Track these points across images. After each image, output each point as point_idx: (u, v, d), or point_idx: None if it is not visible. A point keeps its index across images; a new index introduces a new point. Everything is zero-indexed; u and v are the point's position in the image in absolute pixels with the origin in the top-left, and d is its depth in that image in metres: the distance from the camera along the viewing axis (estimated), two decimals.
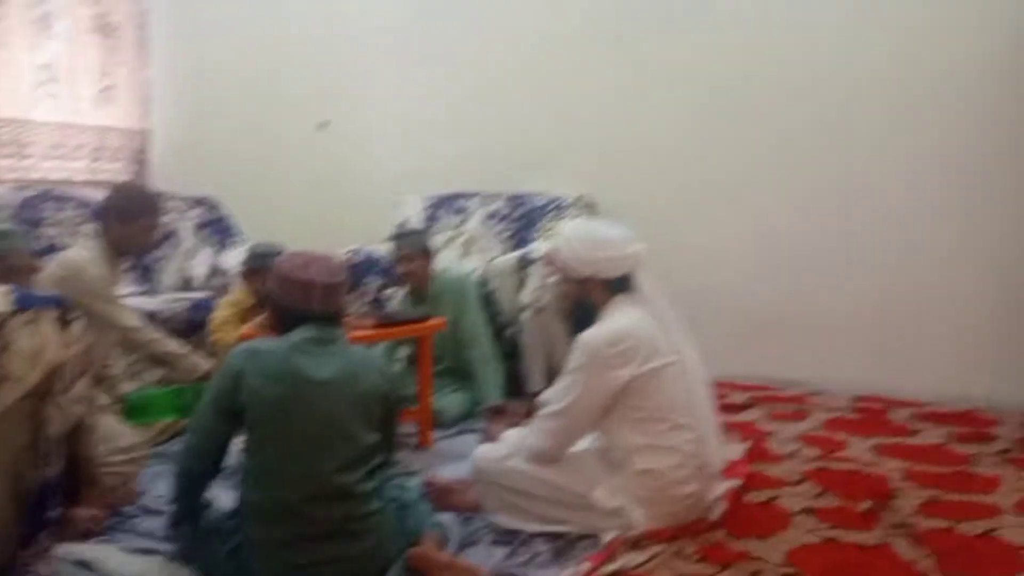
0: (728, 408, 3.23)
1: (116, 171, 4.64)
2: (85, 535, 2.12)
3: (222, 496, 2.10)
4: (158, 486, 2.41)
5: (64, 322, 2.04)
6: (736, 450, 2.74)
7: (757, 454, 2.79)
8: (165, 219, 4.09)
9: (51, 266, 2.72)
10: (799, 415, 3.33)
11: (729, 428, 2.93)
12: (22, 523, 1.89)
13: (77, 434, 2.16)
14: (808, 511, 2.31)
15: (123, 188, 3.14)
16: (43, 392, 1.86)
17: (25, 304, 1.84)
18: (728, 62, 3.90)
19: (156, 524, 2.18)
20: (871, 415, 3.33)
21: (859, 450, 2.87)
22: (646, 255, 2.26)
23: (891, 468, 2.68)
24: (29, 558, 1.86)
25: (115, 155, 4.68)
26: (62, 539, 2.05)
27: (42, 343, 1.85)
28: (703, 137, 3.99)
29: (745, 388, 3.66)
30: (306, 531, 1.77)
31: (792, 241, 3.83)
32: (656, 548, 2.04)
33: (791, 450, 2.87)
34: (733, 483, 2.42)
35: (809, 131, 3.78)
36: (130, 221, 2.83)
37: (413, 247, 3.36)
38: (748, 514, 2.29)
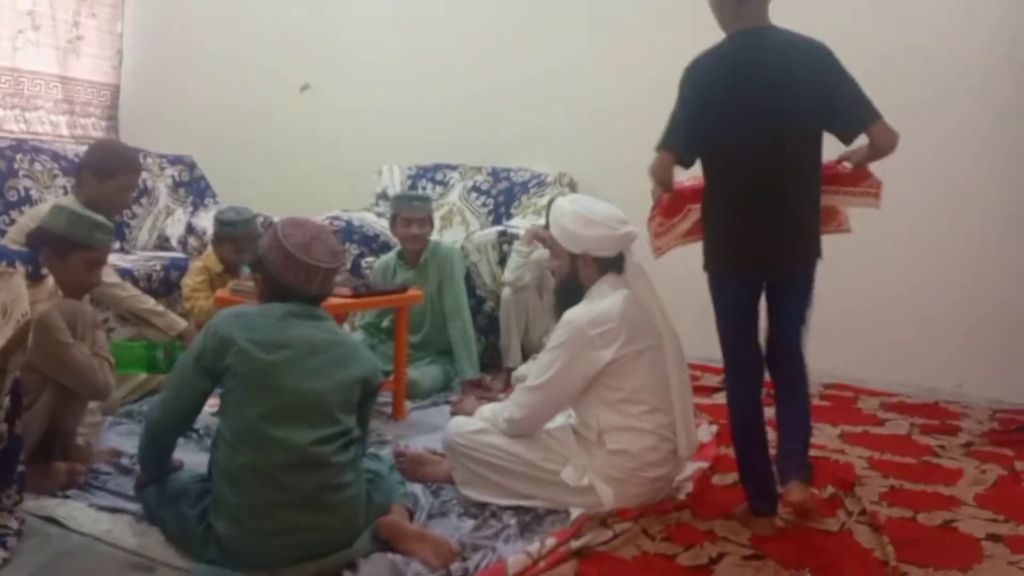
0: (700, 390, 3.26)
1: (88, 125, 4.55)
2: (63, 488, 2.12)
3: (191, 459, 2.09)
4: (128, 445, 2.39)
5: (35, 277, 2.01)
6: (706, 432, 2.77)
7: (726, 437, 2.82)
8: (142, 177, 4.04)
9: (23, 219, 2.67)
10: (768, 400, 3.36)
11: (700, 410, 2.96)
12: None
13: (67, 400, 2.15)
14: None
15: (102, 145, 3.08)
16: (12, 347, 1.83)
17: None
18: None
19: (126, 482, 2.17)
20: (840, 403, 3.38)
21: (826, 437, 2.91)
22: (636, 236, 2.26)
23: (856, 456, 2.72)
24: None
25: (85, 109, 4.58)
26: (40, 492, 2.05)
27: (13, 297, 1.82)
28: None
29: (718, 371, 3.68)
30: (278, 498, 1.76)
31: None
32: (622, 526, 2.06)
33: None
34: (700, 465, 2.45)
35: None
36: (107, 178, 2.78)
37: (419, 211, 3.34)
38: (715, 496, 2.33)
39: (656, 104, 4.03)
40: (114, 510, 2.04)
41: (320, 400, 1.82)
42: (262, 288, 1.97)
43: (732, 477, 2.45)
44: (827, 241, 2.18)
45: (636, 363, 2.16)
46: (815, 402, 3.30)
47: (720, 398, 3.34)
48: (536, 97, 4.19)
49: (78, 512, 2.02)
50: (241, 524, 1.76)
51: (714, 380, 3.56)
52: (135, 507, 2.03)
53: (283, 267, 1.89)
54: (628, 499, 2.14)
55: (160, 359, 2.69)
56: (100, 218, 2.28)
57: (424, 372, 3.24)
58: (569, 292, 2.28)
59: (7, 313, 1.80)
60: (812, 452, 2.68)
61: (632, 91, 4.03)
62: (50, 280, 2.10)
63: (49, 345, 2.00)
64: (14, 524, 1.85)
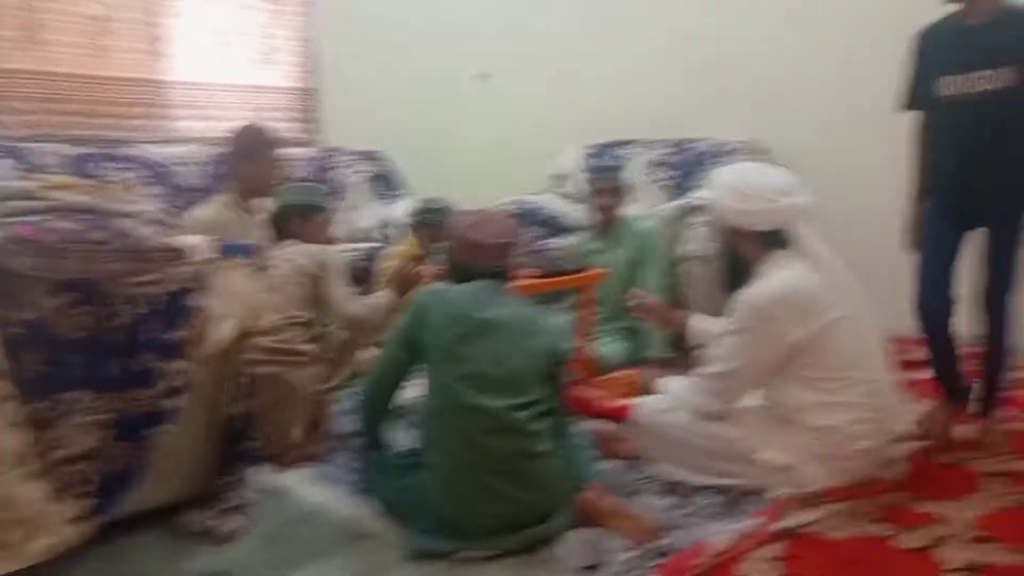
0: (910, 365, 3.03)
1: (288, 130, 4.88)
2: (306, 460, 2.32)
3: (401, 437, 2.22)
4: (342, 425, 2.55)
5: (258, 269, 2.19)
6: (918, 409, 2.58)
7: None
8: (335, 173, 4.31)
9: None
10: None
11: (912, 386, 2.75)
12: (220, 454, 2.06)
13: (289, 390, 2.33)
14: (1000, 474, 2.15)
15: (242, 130, 3.13)
16: (243, 334, 2.03)
17: (225, 252, 2.00)
18: None
19: (341, 458, 2.34)
20: None
21: None
22: (810, 207, 2.10)
23: None
24: (226, 487, 2.05)
25: (285, 115, 4.92)
26: (286, 464, 2.28)
27: (240, 288, 2.01)
28: (878, 74, 3.71)
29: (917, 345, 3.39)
30: (480, 462, 1.84)
31: None
32: (829, 507, 1.96)
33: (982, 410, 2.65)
34: (916, 443, 2.29)
35: None
36: (253, 158, 2.92)
37: (608, 181, 3.40)
38: (933, 475, 2.16)
39: (856, 64, 3.80)
40: (332, 483, 2.21)
41: (511, 370, 1.89)
42: (447, 273, 2.14)
43: (954, 456, 2.28)
44: None
45: (828, 336, 2.04)
46: None
47: (925, 373, 3.09)
48: (720, 65, 4.06)
49: (298, 484, 2.20)
50: (448, 489, 1.85)
51: (916, 355, 3.29)
52: (351, 480, 2.18)
53: (456, 247, 2.06)
54: (834, 475, 2.03)
55: None
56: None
57: (612, 349, 3.22)
58: (736, 269, 2.18)
59: (234, 302, 1.99)
60: None
61: (821, 52, 3.81)
62: (272, 273, 2.30)
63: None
64: (250, 495, 2.06)
